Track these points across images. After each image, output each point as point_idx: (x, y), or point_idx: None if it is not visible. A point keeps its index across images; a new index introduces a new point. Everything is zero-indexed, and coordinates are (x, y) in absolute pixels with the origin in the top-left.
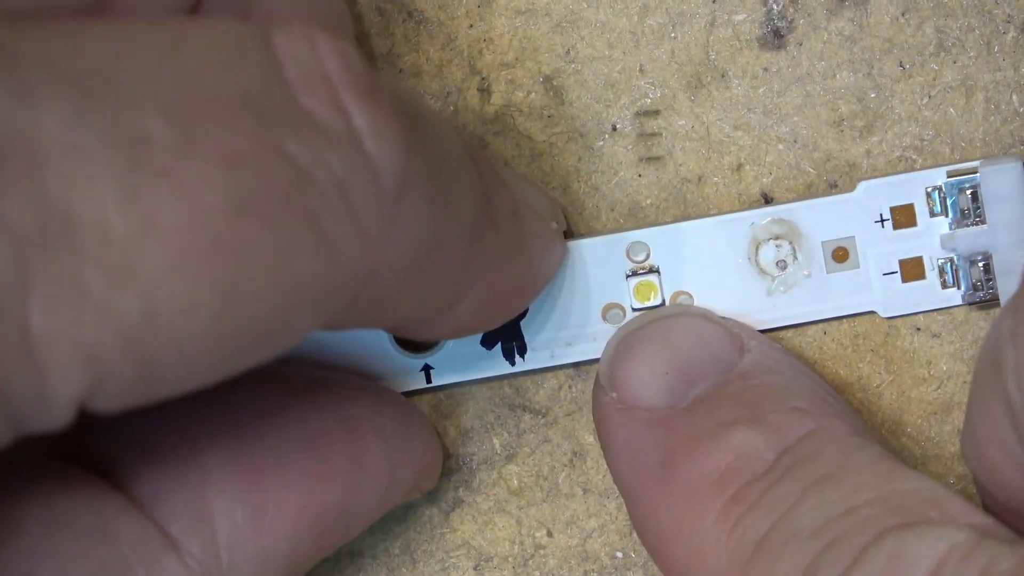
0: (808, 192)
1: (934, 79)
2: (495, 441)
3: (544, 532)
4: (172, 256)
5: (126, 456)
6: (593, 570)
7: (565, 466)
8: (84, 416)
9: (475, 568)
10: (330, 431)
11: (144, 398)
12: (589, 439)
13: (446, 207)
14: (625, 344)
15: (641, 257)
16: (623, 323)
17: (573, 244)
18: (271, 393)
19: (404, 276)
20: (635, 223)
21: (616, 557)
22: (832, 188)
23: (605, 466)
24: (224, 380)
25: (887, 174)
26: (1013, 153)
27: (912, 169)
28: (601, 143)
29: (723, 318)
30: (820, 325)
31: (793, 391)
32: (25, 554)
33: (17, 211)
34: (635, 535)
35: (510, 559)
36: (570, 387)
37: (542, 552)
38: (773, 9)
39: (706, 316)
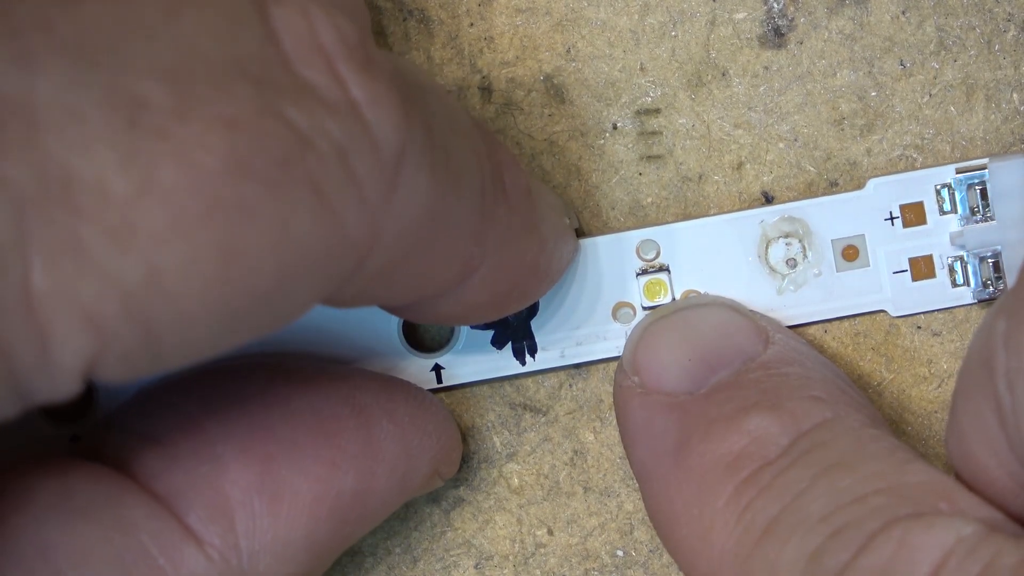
0: (808, 191)
1: (934, 77)
2: (496, 439)
3: (545, 530)
4: (172, 217)
5: (142, 451)
6: (594, 568)
7: (566, 464)
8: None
9: (476, 567)
10: (341, 418)
11: (149, 367)
12: (589, 437)
13: (449, 177)
14: (651, 330)
15: (651, 255)
16: (639, 318)
17: (583, 242)
18: (280, 384)
19: (409, 246)
20: (636, 222)
21: (616, 555)
22: (833, 187)
23: (605, 465)
24: (229, 350)
25: (890, 172)
26: (1014, 151)
27: (913, 168)
28: (602, 141)
29: (751, 311)
30: (820, 323)
31: (813, 381)
32: (44, 546)
33: (16, 171)
34: (635, 533)
35: (511, 557)
36: (571, 386)
37: (543, 550)
38: (774, 7)
39: (735, 308)
